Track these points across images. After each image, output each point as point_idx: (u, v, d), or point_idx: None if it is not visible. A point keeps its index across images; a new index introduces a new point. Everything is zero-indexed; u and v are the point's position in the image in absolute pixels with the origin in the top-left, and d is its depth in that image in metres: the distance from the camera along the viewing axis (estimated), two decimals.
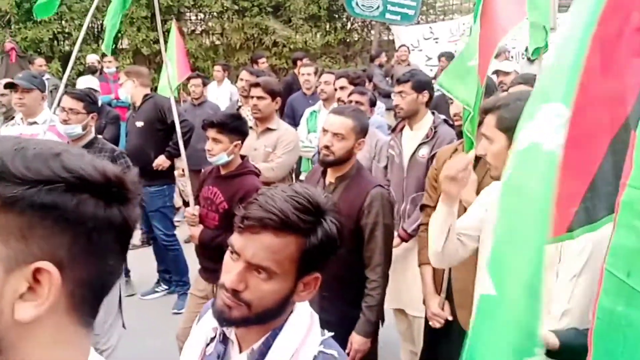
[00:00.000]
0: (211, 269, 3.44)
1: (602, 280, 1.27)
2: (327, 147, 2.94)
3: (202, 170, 3.74)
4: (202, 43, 12.53)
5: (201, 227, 3.50)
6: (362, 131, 2.99)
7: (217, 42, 12.73)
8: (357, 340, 2.87)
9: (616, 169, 1.37)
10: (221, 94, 8.39)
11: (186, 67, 8.05)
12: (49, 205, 0.72)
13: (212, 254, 3.35)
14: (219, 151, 3.36)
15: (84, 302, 0.78)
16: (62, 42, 11.65)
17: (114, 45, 11.25)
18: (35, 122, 4.39)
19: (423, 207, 3.29)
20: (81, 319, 0.79)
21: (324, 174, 3.08)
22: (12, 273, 0.72)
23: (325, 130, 2.99)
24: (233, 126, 3.37)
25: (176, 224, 5.70)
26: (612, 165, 1.42)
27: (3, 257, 0.72)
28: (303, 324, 1.40)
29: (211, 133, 3.35)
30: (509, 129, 2.05)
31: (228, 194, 3.38)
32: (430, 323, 3.06)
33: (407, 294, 3.67)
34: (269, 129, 4.44)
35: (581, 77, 1.34)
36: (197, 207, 3.60)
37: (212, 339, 1.47)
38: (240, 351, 1.41)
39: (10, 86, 4.44)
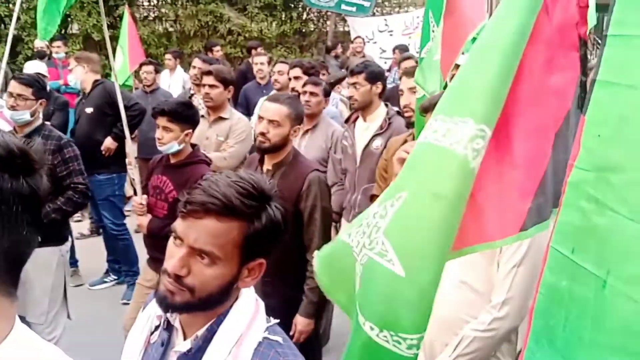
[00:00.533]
0: (160, 259, 3.36)
1: (546, 258, 1.31)
2: (263, 134, 3.02)
3: (152, 159, 3.68)
4: (155, 29, 12.30)
5: (149, 216, 3.45)
6: (297, 118, 3.08)
7: (171, 29, 12.52)
8: (300, 321, 2.96)
9: (559, 165, 1.42)
10: (173, 82, 8.27)
11: (139, 54, 7.91)
12: None
13: (160, 243, 3.25)
14: (169, 140, 3.31)
15: (2, 273, 0.82)
16: (8, 25, 11.27)
17: (63, 30, 10.98)
18: None
19: (373, 197, 3.33)
20: (2, 288, 0.83)
21: (260, 162, 3.14)
22: None
23: (261, 118, 3.07)
24: (184, 115, 3.33)
25: (126, 213, 5.61)
26: (556, 162, 1.47)
27: None
28: (248, 311, 1.39)
29: (162, 121, 3.29)
30: None
31: (178, 183, 3.33)
32: None
33: None
34: (221, 118, 4.41)
35: (517, 74, 1.38)
36: (145, 196, 3.54)
37: (156, 327, 1.45)
38: (185, 338, 1.40)
39: None
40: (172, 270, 1.32)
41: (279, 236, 1.39)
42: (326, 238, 2.95)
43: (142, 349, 1.45)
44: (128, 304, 5.02)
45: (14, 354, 0.83)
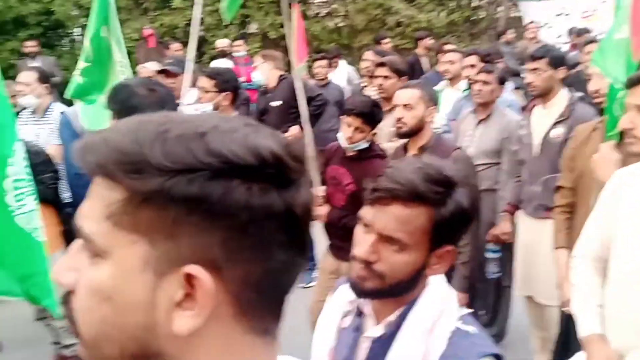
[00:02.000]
0: (339, 247, 3.52)
1: None
2: (399, 119, 3.21)
3: (328, 147, 3.78)
4: (325, 26, 12.66)
5: (328, 206, 3.57)
6: (430, 99, 3.26)
7: (341, 24, 12.81)
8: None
9: None
10: (336, 77, 8.47)
11: (304, 50, 8.19)
12: (193, 198, 0.61)
13: (339, 232, 3.44)
14: (359, 139, 3.38)
15: (253, 306, 0.66)
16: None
17: (243, 30, 11.70)
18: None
19: (559, 188, 3.17)
20: (254, 326, 0.67)
21: (405, 149, 3.22)
22: (164, 277, 0.63)
23: (395, 107, 3.25)
24: (376, 117, 3.41)
25: None
26: None
27: (152, 259, 0.63)
28: (439, 299, 1.40)
29: (355, 122, 3.34)
30: None
31: (355, 176, 3.41)
32: (564, 309, 2.96)
33: (537, 281, 3.57)
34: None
35: None
36: (324, 187, 3.66)
37: (347, 313, 1.50)
38: (376, 324, 1.44)
39: (161, 72, 4.81)
40: (362, 256, 1.36)
41: (467, 223, 1.39)
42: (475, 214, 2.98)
43: (334, 333, 1.50)
44: (306, 287, 5.29)
45: None
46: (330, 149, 3.70)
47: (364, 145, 3.40)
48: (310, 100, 5.44)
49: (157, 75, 6.21)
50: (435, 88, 5.34)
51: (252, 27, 12.44)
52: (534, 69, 3.61)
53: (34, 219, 2.67)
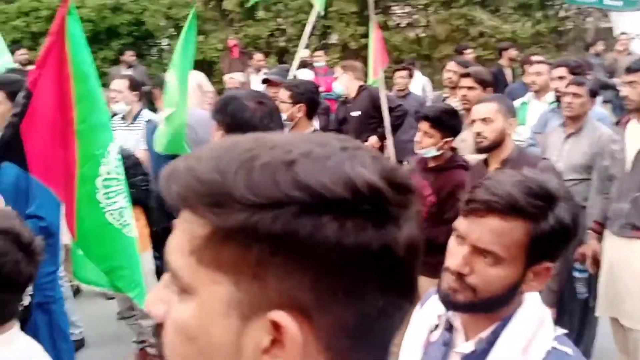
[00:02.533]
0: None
1: None
2: (478, 134, 3.16)
3: (409, 160, 3.78)
4: (406, 36, 12.60)
5: None
6: (508, 111, 3.22)
7: (422, 35, 12.72)
8: None
9: None
10: (412, 87, 8.39)
11: (383, 61, 8.15)
12: (279, 235, 0.55)
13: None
14: (428, 145, 3.37)
15: (347, 355, 0.60)
16: (278, 39, 12.45)
17: (324, 41, 11.80)
18: None
19: None
20: None
21: (486, 163, 3.17)
22: (249, 322, 0.57)
23: (473, 121, 3.21)
24: (447, 123, 3.37)
25: None
26: None
27: (236, 302, 0.57)
28: (534, 317, 1.35)
29: (424, 126, 3.36)
30: None
31: (436, 187, 3.38)
32: None
33: (623, 302, 3.40)
34: None
35: None
36: None
37: (436, 327, 1.46)
38: (466, 340, 1.39)
39: (265, 81, 4.98)
40: (454, 268, 1.33)
41: (568, 239, 1.33)
42: None
43: (422, 347, 1.47)
44: None
45: None
46: (412, 161, 3.68)
47: (433, 152, 3.36)
48: (390, 110, 5.42)
49: (242, 86, 6.39)
50: (521, 100, 5.23)
51: (333, 38, 12.53)
52: (631, 82, 3.45)
53: (124, 215, 2.79)
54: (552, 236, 1.29)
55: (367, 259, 0.56)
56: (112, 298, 5.33)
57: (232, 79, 6.36)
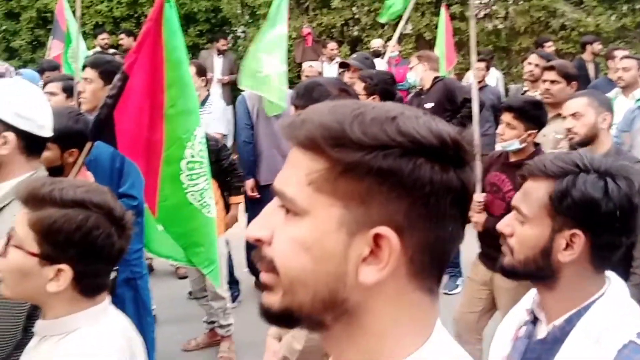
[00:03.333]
0: (493, 257, 3.38)
1: None
2: (569, 129, 3.15)
3: (489, 154, 3.68)
4: (483, 27, 12.28)
5: (485, 214, 3.45)
6: (601, 105, 3.13)
7: (500, 26, 12.37)
8: None
9: None
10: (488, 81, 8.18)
11: (453, 54, 7.96)
12: (387, 171, 0.72)
13: (496, 242, 3.30)
14: (510, 137, 3.27)
15: (424, 269, 0.76)
16: (351, 28, 12.39)
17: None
18: None
19: None
20: (424, 285, 0.77)
21: None
22: (354, 237, 0.74)
23: (564, 117, 3.20)
24: (531, 114, 3.26)
25: None
26: None
27: (346, 221, 0.73)
28: (615, 308, 1.33)
29: (507, 117, 3.27)
30: None
31: (517, 183, 3.27)
32: None
33: None
34: (560, 115, 4.20)
35: None
36: (483, 194, 3.54)
37: (525, 322, 1.49)
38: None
39: (343, 66, 5.01)
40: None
41: (593, 212, 1.35)
42: None
43: (510, 342, 1.48)
44: (449, 294, 5.18)
45: None
46: (492, 155, 3.59)
47: (516, 145, 3.26)
48: (465, 102, 5.29)
49: (318, 76, 6.40)
50: (607, 96, 5.01)
51: (407, 28, 12.36)
52: None
53: (204, 197, 2.90)
54: (572, 201, 1.34)
55: (449, 193, 0.74)
56: (183, 278, 5.48)
57: (312, 67, 6.38)
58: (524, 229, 1.41)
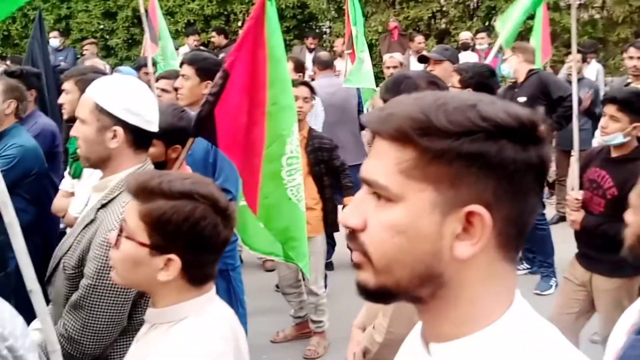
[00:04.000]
0: (591, 257, 3.26)
1: None
2: None
3: (588, 150, 3.53)
4: (579, 17, 11.77)
5: (583, 212, 3.31)
6: None
7: (597, 16, 11.83)
8: None
9: None
10: (587, 75, 7.81)
11: (549, 45, 7.62)
12: (474, 154, 0.78)
13: (595, 241, 3.17)
14: (614, 130, 3.11)
15: (509, 240, 0.83)
16: (439, 20, 12.20)
17: (488, 23, 11.38)
18: None
19: None
20: (507, 255, 0.84)
21: None
22: (447, 216, 0.80)
23: None
24: (637, 106, 3.08)
25: (547, 202, 5.54)
26: None
27: (438, 203, 0.80)
28: None
29: (610, 109, 3.11)
30: None
31: (619, 179, 3.12)
32: None
33: None
34: None
35: None
36: (581, 191, 3.40)
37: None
38: None
39: (421, 59, 4.94)
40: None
41: None
42: None
43: (625, 335, 1.47)
44: (541, 294, 5.00)
45: (515, 329, 0.83)
46: (591, 151, 3.44)
47: (620, 138, 3.10)
48: (561, 100, 5.09)
49: (400, 66, 6.34)
50: None
51: (497, 19, 12.03)
52: None
53: (300, 191, 2.95)
54: None
55: (530, 170, 0.81)
56: (270, 270, 5.57)
57: (392, 57, 6.33)
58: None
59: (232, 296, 3.39)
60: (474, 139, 0.78)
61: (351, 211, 0.85)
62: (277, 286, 5.07)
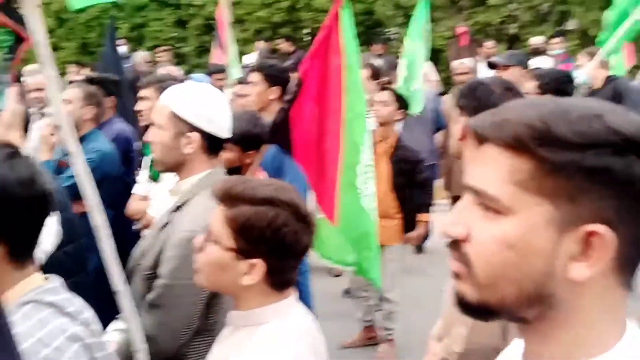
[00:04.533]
0: None
1: None
2: None
3: None
4: None
5: None
6: None
7: None
8: None
9: None
10: None
11: (633, 50, 7.29)
12: (599, 169, 0.72)
13: None
14: None
15: (628, 263, 0.76)
16: (509, 25, 11.96)
17: (560, 27, 11.08)
18: None
19: None
20: (625, 280, 0.77)
21: None
22: (564, 234, 0.74)
23: None
24: None
25: None
26: None
27: (555, 219, 0.74)
28: None
29: None
30: None
31: None
32: None
33: None
34: None
35: None
36: None
37: None
38: None
39: (491, 65, 4.90)
40: None
41: None
42: None
43: None
44: None
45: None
46: None
47: None
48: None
49: (470, 72, 6.24)
50: None
51: (570, 24, 11.69)
52: None
53: (372, 201, 2.92)
54: None
55: None
56: (337, 276, 5.57)
57: (462, 63, 6.25)
58: None
59: (301, 301, 3.39)
60: (599, 153, 0.72)
61: (454, 220, 0.81)
62: (344, 291, 5.07)
